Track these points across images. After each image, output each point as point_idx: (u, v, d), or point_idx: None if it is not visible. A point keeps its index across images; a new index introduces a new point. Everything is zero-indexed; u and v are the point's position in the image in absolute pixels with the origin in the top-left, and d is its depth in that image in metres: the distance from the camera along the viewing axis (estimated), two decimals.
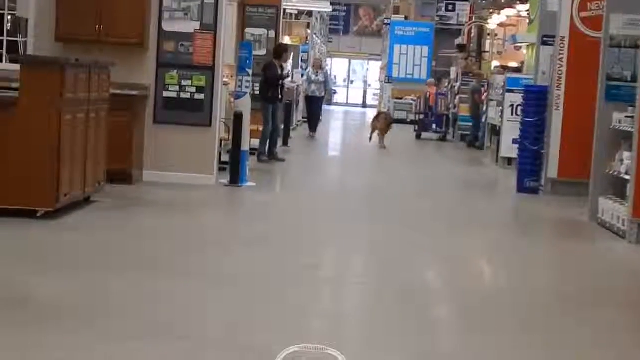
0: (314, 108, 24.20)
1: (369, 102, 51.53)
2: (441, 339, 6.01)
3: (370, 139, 21.89)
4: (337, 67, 54.04)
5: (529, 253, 9.43)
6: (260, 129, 15.79)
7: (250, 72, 13.07)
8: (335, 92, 51.35)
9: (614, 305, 7.27)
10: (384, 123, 21.76)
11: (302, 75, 25.16)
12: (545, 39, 14.97)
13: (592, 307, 7.11)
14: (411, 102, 30.80)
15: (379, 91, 39.69)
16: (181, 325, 5.80)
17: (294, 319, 6.19)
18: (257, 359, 4.86)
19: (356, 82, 54.88)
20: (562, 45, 13.75)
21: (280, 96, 16.08)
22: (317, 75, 23.97)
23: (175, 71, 12.18)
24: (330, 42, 48.80)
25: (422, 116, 27.26)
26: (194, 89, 12.19)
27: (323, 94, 24.70)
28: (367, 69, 53.83)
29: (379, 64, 46.32)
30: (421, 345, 5.76)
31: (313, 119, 24.07)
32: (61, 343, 5.27)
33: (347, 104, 51.59)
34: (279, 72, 15.89)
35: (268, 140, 15.97)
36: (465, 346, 5.87)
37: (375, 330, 6.13)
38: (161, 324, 5.78)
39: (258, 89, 15.95)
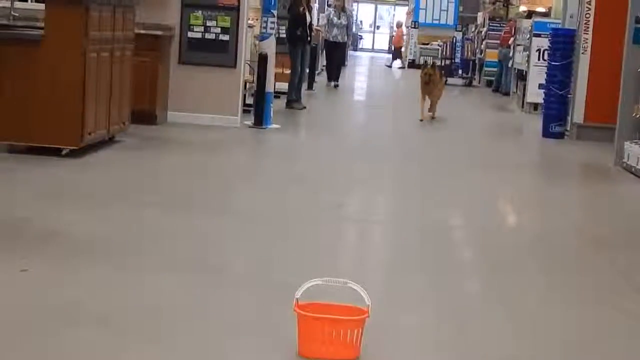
0: (336, 55, 21.78)
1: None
2: (464, 278, 6.02)
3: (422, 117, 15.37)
4: (363, 12, 53.70)
5: (552, 195, 9.42)
6: (285, 72, 15.65)
7: (275, 13, 13.01)
8: (361, 38, 51.12)
9: (633, 246, 7.25)
10: (426, 83, 15.41)
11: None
12: None
13: (612, 248, 7.10)
14: (437, 47, 30.65)
15: (405, 37, 39.48)
16: (205, 260, 5.84)
17: (316, 255, 6.22)
18: (280, 291, 4.89)
19: (382, 27, 54.56)
20: None
21: (308, 37, 15.85)
22: (339, 18, 21.31)
23: (200, 12, 12.15)
24: None
25: (448, 61, 27.17)
26: (218, 30, 12.16)
27: (346, 39, 22.28)
28: (394, 15, 53.46)
29: (405, 9, 46.00)
30: (439, 282, 5.77)
31: (334, 66, 21.77)
32: (92, 276, 5.31)
33: (372, 50, 51.35)
34: (302, 10, 15.51)
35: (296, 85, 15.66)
36: (489, 285, 5.87)
37: (398, 268, 6.15)
38: (181, 259, 5.82)
39: (284, 31, 15.84)
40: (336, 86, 21.42)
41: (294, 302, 4.27)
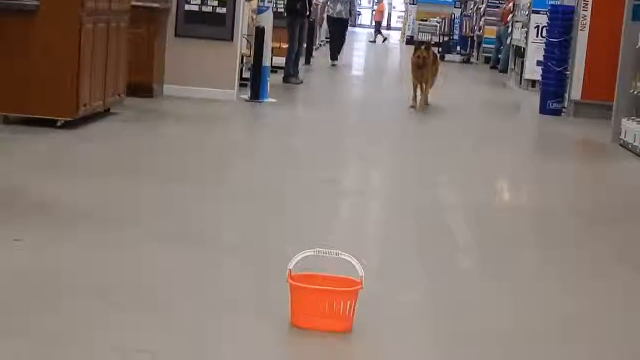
0: (340, 32, 21.00)
1: (393, 24, 51.11)
2: (456, 253, 5.99)
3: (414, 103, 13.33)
4: None
5: (549, 171, 9.38)
6: (283, 46, 15.58)
7: None
8: (359, 14, 51.01)
9: (629, 220, 7.22)
10: (419, 67, 13.23)
11: None
12: None
13: (608, 222, 7.08)
14: (435, 23, 30.57)
15: (403, 13, 39.43)
16: (202, 232, 5.80)
17: (312, 229, 6.18)
18: (272, 263, 4.86)
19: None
20: None
21: (307, 12, 15.75)
22: None
23: None
24: None
25: (446, 38, 27.14)
26: (215, 3, 12.09)
27: (349, 16, 21.30)
28: None
29: None
30: (436, 257, 5.74)
31: (337, 44, 20.97)
32: (88, 246, 5.28)
33: (371, 26, 51.24)
34: None
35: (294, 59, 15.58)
36: (486, 260, 5.84)
37: (394, 242, 6.13)
38: (177, 231, 5.78)
39: (282, 5, 15.77)
40: (334, 65, 20.66)
41: (287, 273, 4.24)
